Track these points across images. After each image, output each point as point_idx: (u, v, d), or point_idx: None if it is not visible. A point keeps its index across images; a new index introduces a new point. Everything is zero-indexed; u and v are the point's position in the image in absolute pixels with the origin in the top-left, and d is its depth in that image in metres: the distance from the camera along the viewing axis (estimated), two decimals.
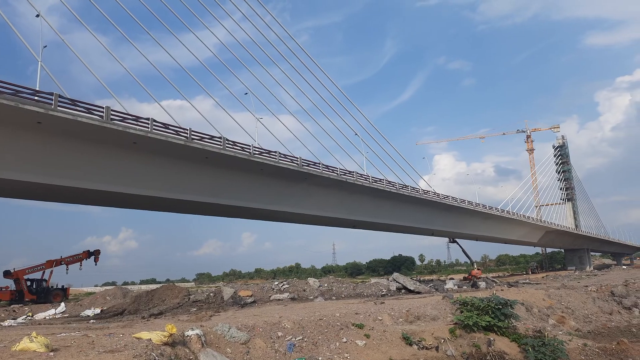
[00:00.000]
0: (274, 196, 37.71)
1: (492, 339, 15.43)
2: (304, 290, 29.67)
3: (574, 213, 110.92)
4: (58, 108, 22.35)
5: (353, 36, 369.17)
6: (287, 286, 30.08)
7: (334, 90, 46.00)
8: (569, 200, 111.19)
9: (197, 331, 11.96)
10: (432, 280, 54.53)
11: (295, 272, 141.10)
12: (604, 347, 16.27)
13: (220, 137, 30.19)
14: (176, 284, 41.04)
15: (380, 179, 45.85)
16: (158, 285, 32.07)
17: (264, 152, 33.56)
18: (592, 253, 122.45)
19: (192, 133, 28.36)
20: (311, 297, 28.06)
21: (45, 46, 24.72)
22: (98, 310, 25.88)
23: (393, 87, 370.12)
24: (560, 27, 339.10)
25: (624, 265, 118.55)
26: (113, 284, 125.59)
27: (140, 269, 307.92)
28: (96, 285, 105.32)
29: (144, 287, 61.05)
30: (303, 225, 64.50)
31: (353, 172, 42.14)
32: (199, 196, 32.11)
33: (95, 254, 40.73)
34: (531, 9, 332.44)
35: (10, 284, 36.70)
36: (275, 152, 34.36)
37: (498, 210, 68.73)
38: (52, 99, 22.22)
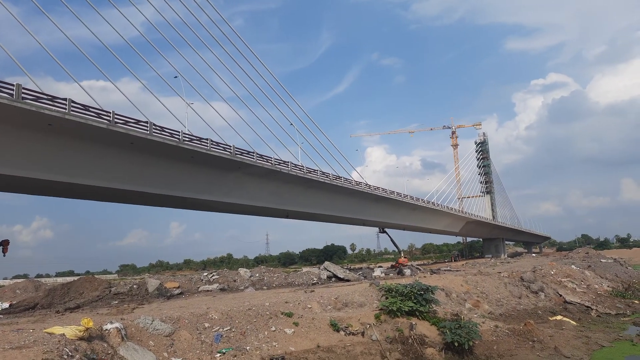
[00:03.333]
0: (205, 185, 36.69)
1: (414, 323, 16.25)
2: (235, 281, 29.26)
3: (491, 205, 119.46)
4: None
5: (289, 24, 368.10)
6: (217, 277, 29.49)
7: (269, 78, 45.58)
8: (487, 193, 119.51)
9: (117, 324, 11.40)
10: (361, 268, 56.09)
11: (226, 262, 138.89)
12: (512, 328, 17.76)
13: (146, 122, 28.73)
14: (97, 276, 38.72)
15: (315, 170, 46.28)
16: (76, 278, 30.02)
17: (194, 139, 32.45)
18: (506, 242, 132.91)
19: (116, 116, 26.70)
20: (242, 288, 27.75)
21: None
22: (6, 305, 23.70)
23: (328, 79, 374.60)
24: (483, 31, 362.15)
25: (534, 253, 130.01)
26: (25, 276, 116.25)
27: (56, 260, 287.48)
28: (5, 279, 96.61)
29: (59, 279, 56.94)
30: (236, 215, 63.63)
31: (287, 162, 42.10)
32: (124, 184, 30.43)
33: (4, 244, 36.86)
34: (458, 12, 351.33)
35: None
36: (207, 139, 33.35)
37: (424, 202, 72.24)
38: None
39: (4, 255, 37.38)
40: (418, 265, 55.35)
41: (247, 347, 13.21)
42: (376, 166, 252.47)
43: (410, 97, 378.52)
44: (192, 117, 34.80)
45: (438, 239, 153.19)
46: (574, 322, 21.70)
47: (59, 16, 30.57)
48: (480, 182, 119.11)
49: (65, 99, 24.32)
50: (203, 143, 33.00)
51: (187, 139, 31.61)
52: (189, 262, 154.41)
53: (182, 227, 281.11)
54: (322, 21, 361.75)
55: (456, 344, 15.20)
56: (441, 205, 79.50)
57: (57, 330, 10.19)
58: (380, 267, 54.67)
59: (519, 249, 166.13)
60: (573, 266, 38.25)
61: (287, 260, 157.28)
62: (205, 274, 30.59)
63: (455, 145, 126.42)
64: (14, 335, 10.28)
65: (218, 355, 12.44)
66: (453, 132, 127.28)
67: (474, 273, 31.29)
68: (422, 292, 17.69)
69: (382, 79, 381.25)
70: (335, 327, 15.52)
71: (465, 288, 24.51)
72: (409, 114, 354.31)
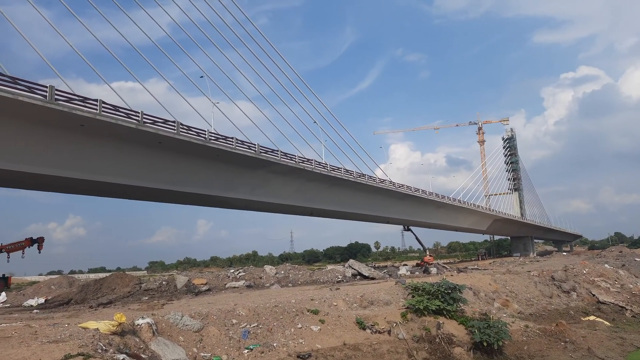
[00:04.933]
0: (230, 183, 37.12)
1: (441, 322, 16.04)
2: (260, 278, 29.58)
3: (520, 202, 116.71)
4: None
5: (312, 21, 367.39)
6: (243, 274, 29.86)
7: (292, 76, 45.65)
8: (515, 190, 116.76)
9: (148, 320, 11.67)
10: (386, 266, 55.92)
11: (252, 260, 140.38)
12: (543, 329, 17.33)
13: (174, 122, 29.23)
14: (127, 272, 39.74)
15: (338, 168, 46.18)
16: (107, 274, 30.93)
17: (220, 138, 32.84)
18: (535, 240, 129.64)
19: (144, 116, 27.27)
20: (267, 285, 28.02)
21: None
22: (42, 300, 24.69)
23: (351, 76, 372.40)
24: (510, 24, 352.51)
25: (565, 251, 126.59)
26: (59, 272, 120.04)
27: (89, 257, 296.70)
28: (40, 275, 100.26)
29: (92, 276, 58.78)
30: (260, 213, 64.15)
31: (311, 160, 42.16)
32: (152, 182, 31.07)
33: (39, 241, 38.62)
34: (484, 6, 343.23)
35: None
36: (232, 138, 33.71)
37: (450, 199, 71.18)
38: None
39: (39, 252, 39.01)
40: (444, 263, 54.66)
41: (274, 344, 13.31)
42: (400, 163, 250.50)
43: (435, 93, 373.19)
44: (217, 116, 35.26)
45: (464, 237, 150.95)
46: (608, 323, 21.01)
47: (88, 18, 31.39)
48: (508, 179, 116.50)
49: (96, 100, 24.97)
50: (228, 142, 33.37)
51: (213, 138, 32.03)
52: (215, 259, 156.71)
53: (209, 225, 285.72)
54: (345, 17, 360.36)
55: (485, 344, 14.93)
56: (467, 202, 78.17)
57: (91, 325, 10.51)
58: (406, 265, 54.31)
59: (549, 248, 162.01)
60: (606, 265, 37.01)
61: (311, 257, 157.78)
62: (232, 271, 31.02)
63: (481, 142, 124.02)
64: (51, 330, 10.64)
65: (246, 351, 12.59)
66: (479, 128, 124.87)
67: (502, 272, 30.67)
68: (450, 291, 17.46)
69: (407, 75, 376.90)
70: (361, 325, 15.48)
71: (494, 287, 24.05)
72: (434, 110, 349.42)
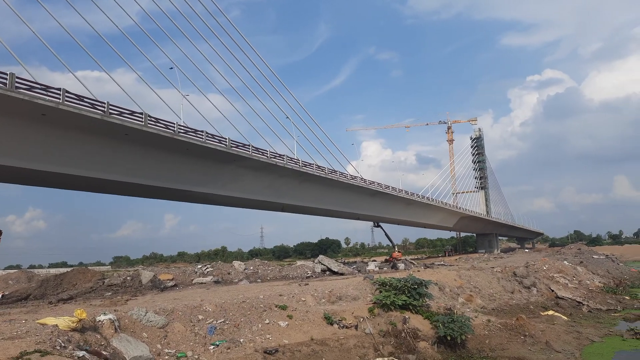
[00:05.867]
0: (200, 177, 36.56)
1: (407, 317, 16.33)
2: (229, 274, 29.29)
3: (486, 200, 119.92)
4: None
5: (286, 16, 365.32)
6: (211, 269, 29.49)
7: (265, 71, 45.25)
8: (482, 188, 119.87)
9: (110, 316, 11.39)
10: (355, 262, 56.40)
11: (220, 255, 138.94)
12: (505, 323, 17.91)
13: (141, 113, 28.51)
14: (90, 267, 38.59)
15: (310, 163, 46.19)
16: (69, 269, 29.91)
17: (189, 131, 32.26)
18: (500, 237, 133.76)
19: (110, 107, 26.48)
20: (236, 280, 27.78)
21: None
22: None
23: (325, 73, 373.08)
24: (480, 26, 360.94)
25: (527, 248, 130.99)
26: (17, 267, 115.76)
27: (50, 251, 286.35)
28: None
29: (53, 270, 56.65)
30: (230, 208, 63.41)
31: (283, 155, 41.99)
32: (118, 175, 30.27)
33: None
34: (456, 7, 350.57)
35: None
36: (202, 131, 33.18)
37: (419, 197, 72.42)
38: None
39: None
40: (412, 259, 55.61)
41: (241, 340, 13.24)
42: (372, 160, 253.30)
43: (407, 92, 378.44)
44: (187, 109, 34.66)
45: (432, 234, 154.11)
46: (566, 317, 21.91)
47: (52, 4, 30.14)
48: (475, 178, 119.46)
49: (59, 89, 24.07)
50: (198, 135, 32.83)
51: (182, 131, 31.43)
52: (183, 254, 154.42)
53: (177, 220, 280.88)
54: (319, 14, 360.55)
55: (449, 338, 15.29)
56: (436, 200, 79.73)
57: (50, 321, 10.16)
58: (375, 261, 54.94)
59: (512, 245, 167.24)
60: (565, 262, 38.59)
61: (281, 253, 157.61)
62: (200, 266, 30.59)
63: (450, 141, 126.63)
64: (7, 326, 10.24)
65: (211, 347, 12.46)
66: (449, 128, 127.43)
67: (467, 268, 31.47)
68: (416, 286, 17.78)
69: (379, 73, 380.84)
70: (329, 320, 15.58)
71: (459, 283, 24.66)
72: (405, 108, 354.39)
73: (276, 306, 15.79)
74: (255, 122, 43.77)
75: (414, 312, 16.93)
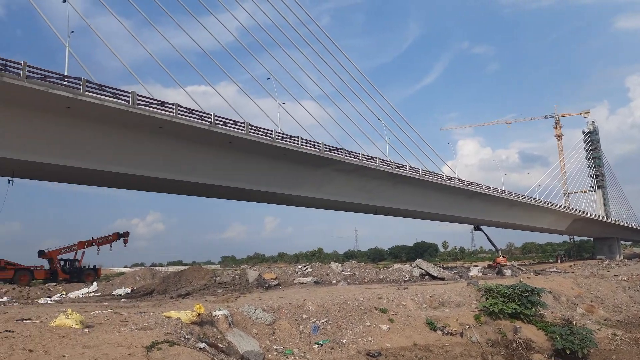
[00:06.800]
0: (296, 181, 37.82)
1: (518, 326, 15.27)
2: (327, 275, 29.87)
3: (604, 200, 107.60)
4: (86, 93, 22.79)
5: (374, 17, 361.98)
6: (310, 270, 30.34)
7: (355, 74, 45.45)
8: (599, 187, 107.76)
9: (224, 312, 12.21)
10: (455, 267, 54.13)
11: (317, 256, 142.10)
12: (635, 337, 15.92)
13: (243, 122, 30.33)
14: (202, 266, 41.94)
15: (403, 165, 45.35)
16: (185, 267, 32.80)
17: (286, 138, 33.59)
18: (622, 242, 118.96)
19: (216, 118, 28.57)
20: (334, 282, 28.23)
21: (73, 31, 25.09)
22: (128, 290, 26.67)
23: (416, 71, 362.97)
24: (588, 10, 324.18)
25: None
26: (142, 265, 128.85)
27: (167, 251, 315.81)
28: (125, 266, 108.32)
29: (171, 268, 62.57)
30: (324, 211, 64.51)
31: (375, 157, 41.78)
32: (223, 180, 32.47)
33: (125, 235, 41.96)
34: None
35: (44, 263, 38.22)
36: (297, 137, 34.34)
37: (524, 198, 67.27)
38: (80, 84, 22.65)
39: (125, 246, 42.32)
40: (519, 265, 51.81)
41: (344, 340, 13.38)
42: (469, 160, 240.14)
43: (505, 87, 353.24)
44: (283, 117, 36.04)
45: (540, 238, 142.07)
46: None
47: (163, 26, 33.38)
48: (590, 176, 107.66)
49: (173, 104, 26.58)
50: (294, 141, 34.03)
51: (279, 138, 32.83)
52: (282, 255, 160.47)
53: (276, 222, 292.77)
54: (408, 12, 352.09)
55: (568, 352, 14.00)
56: (544, 201, 73.40)
57: (174, 314, 11.19)
58: (477, 266, 52.20)
59: (638, 250, 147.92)
60: None
61: (376, 256, 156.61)
62: (299, 267, 31.63)
63: (559, 136, 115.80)
64: (138, 317, 11.49)
65: (316, 346, 12.77)
66: (557, 122, 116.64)
67: (585, 275, 28.51)
68: (527, 294, 16.55)
69: (473, 68, 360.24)
70: (431, 325, 15.13)
71: (577, 291, 22.43)
72: (504, 104, 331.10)
73: (376, 309, 15.72)
74: (347, 125, 44.19)
75: (525, 321, 15.78)
